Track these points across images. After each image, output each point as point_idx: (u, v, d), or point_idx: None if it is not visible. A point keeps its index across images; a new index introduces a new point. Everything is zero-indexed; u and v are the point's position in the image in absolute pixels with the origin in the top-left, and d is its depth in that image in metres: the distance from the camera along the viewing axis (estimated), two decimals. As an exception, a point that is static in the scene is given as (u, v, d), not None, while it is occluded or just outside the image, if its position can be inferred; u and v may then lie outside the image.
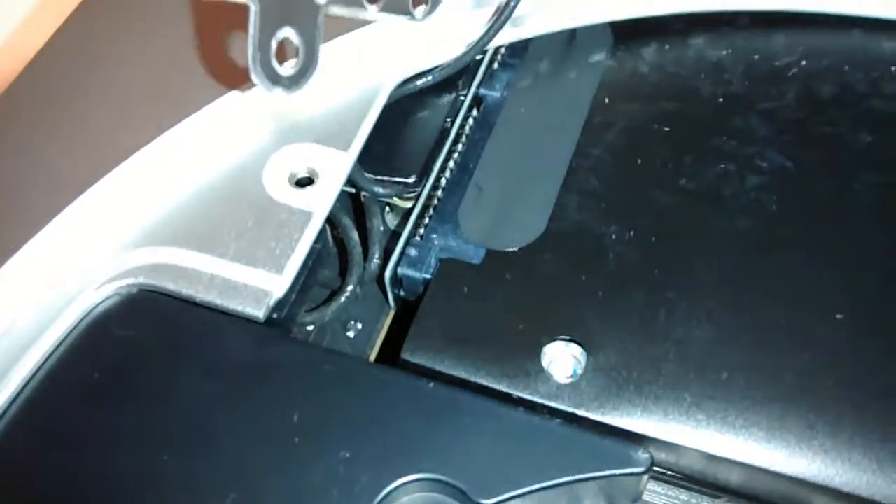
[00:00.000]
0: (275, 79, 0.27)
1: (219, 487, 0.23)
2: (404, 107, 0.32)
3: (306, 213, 0.28)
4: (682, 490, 0.26)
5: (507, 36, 0.33)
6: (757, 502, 0.25)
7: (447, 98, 0.33)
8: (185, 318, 0.26)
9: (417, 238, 0.30)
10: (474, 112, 0.33)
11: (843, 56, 0.33)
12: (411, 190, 0.31)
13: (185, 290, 0.27)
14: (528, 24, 0.33)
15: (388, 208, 0.32)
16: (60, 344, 0.26)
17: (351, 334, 0.30)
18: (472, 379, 0.26)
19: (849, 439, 0.24)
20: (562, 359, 0.26)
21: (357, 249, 0.30)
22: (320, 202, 0.28)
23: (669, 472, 0.26)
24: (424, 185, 0.31)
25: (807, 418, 0.24)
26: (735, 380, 0.25)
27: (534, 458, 0.23)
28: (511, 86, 0.34)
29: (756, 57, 0.33)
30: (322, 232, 0.29)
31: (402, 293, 0.30)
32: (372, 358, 0.30)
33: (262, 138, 0.30)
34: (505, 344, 0.26)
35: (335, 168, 0.29)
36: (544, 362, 0.26)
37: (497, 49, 0.34)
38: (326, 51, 0.29)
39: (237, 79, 0.30)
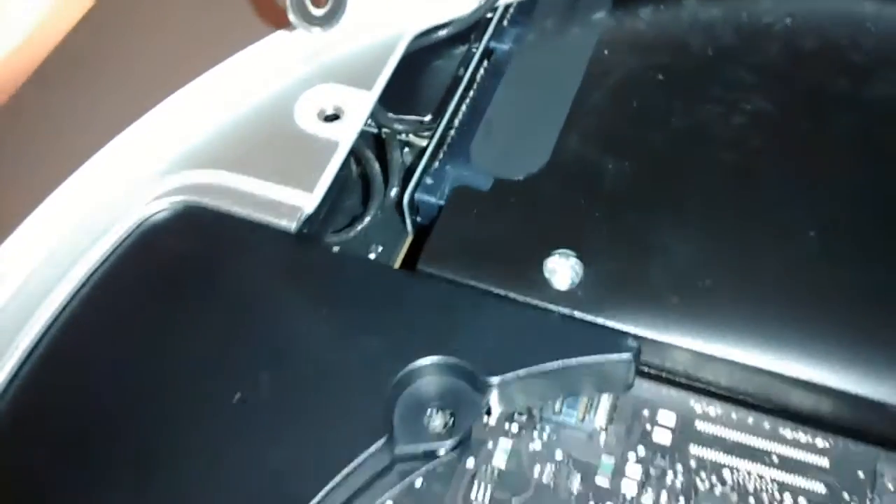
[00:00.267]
0: (309, 19, 0.30)
1: (262, 365, 0.26)
2: (422, 57, 0.36)
3: (333, 143, 0.31)
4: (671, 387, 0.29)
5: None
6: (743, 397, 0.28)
7: (461, 49, 0.37)
8: (228, 228, 0.29)
9: (433, 169, 0.33)
10: (485, 63, 0.36)
11: (823, 16, 0.36)
12: (427, 127, 0.34)
13: (226, 206, 0.30)
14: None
15: (406, 148, 0.35)
16: (116, 248, 0.29)
17: (372, 256, 0.33)
18: (481, 286, 0.29)
19: (820, 335, 0.27)
20: (561, 270, 0.29)
21: (378, 178, 0.33)
22: (346, 134, 0.32)
23: (657, 370, 0.29)
24: (439, 124, 0.34)
25: (781, 317, 0.27)
26: (718, 285, 0.28)
27: (533, 343, 0.26)
28: (519, 40, 0.37)
29: (744, 14, 0.36)
30: (347, 165, 0.32)
31: (418, 219, 0.33)
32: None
33: (294, 78, 0.33)
34: (510, 257, 0.29)
35: (359, 105, 0.32)
36: (546, 272, 0.29)
37: (507, 6, 0.38)
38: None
39: (277, 20, 0.33)
